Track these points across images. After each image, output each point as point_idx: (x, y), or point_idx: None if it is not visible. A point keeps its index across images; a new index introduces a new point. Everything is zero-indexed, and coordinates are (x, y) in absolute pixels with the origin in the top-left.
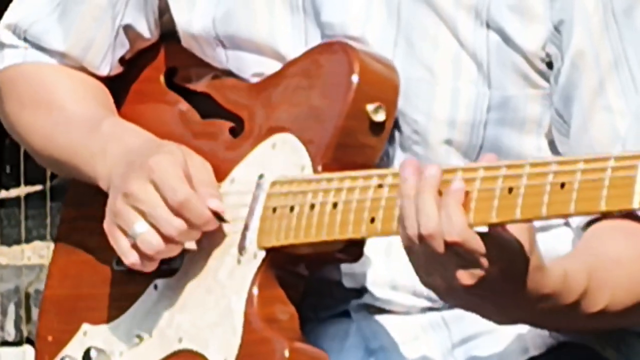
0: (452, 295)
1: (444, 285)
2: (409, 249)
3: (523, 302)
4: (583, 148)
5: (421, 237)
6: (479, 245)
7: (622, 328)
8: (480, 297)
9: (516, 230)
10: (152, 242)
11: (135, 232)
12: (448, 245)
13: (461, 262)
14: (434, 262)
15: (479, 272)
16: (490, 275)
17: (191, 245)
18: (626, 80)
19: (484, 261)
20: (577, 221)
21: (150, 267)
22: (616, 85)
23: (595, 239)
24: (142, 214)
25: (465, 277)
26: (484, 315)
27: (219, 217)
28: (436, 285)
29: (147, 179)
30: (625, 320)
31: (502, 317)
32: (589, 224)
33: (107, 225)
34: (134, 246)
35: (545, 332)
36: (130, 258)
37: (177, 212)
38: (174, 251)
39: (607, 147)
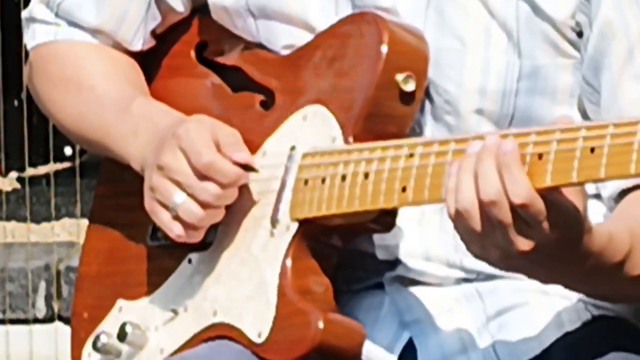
0: (505, 261)
1: (498, 253)
2: (462, 219)
3: (573, 264)
4: (613, 116)
5: (481, 204)
6: (543, 208)
7: None
8: (534, 260)
9: (571, 194)
10: (193, 211)
11: (175, 203)
12: (513, 208)
13: (521, 226)
14: (491, 229)
15: (538, 236)
16: (548, 239)
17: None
18: None
19: (546, 225)
20: (609, 192)
21: (197, 236)
22: None
23: (632, 206)
24: (178, 184)
25: (524, 242)
26: (531, 276)
27: (248, 168)
28: (489, 255)
29: (177, 147)
30: None
31: (550, 278)
32: (622, 195)
33: (147, 203)
34: (176, 218)
35: (581, 306)
36: (175, 230)
37: (204, 176)
38: (217, 216)
39: (638, 115)
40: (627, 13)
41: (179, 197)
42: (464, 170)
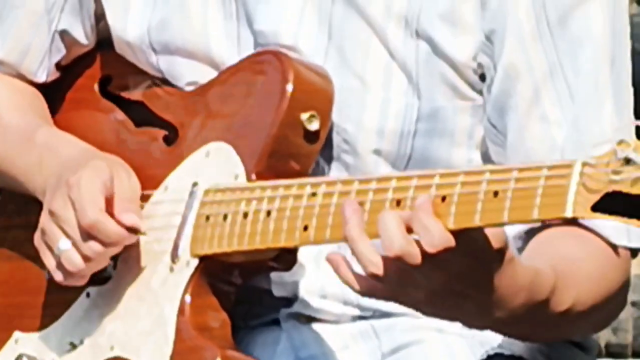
0: (433, 304)
1: (422, 296)
2: (376, 284)
3: (500, 297)
4: (520, 158)
5: (396, 258)
6: (452, 244)
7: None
8: (459, 295)
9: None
10: (74, 261)
11: (59, 249)
12: (429, 256)
13: (437, 265)
14: (409, 278)
15: (453, 268)
16: (463, 268)
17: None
18: (562, 90)
19: (459, 258)
20: (515, 231)
21: (81, 281)
22: (552, 94)
23: (547, 244)
24: (64, 232)
25: (442, 276)
26: (463, 320)
27: (135, 231)
28: (415, 301)
29: (67, 196)
30: (586, 321)
31: (482, 318)
32: (529, 233)
33: (36, 241)
34: (59, 264)
35: (476, 344)
36: (57, 276)
37: (88, 233)
38: (98, 267)
39: (545, 157)
40: (531, 54)
41: (63, 244)
42: (358, 242)
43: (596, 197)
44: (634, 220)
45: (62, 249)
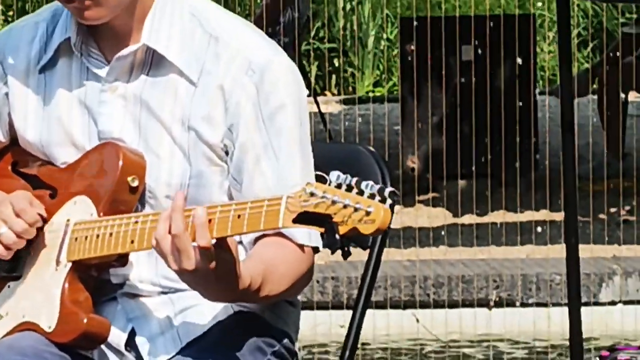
0: (180, 277)
1: (175, 268)
2: (160, 246)
3: (225, 292)
4: (250, 198)
5: (172, 237)
6: (191, 248)
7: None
8: (194, 282)
9: (232, 246)
10: (11, 238)
11: (0, 232)
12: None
13: (178, 256)
14: (174, 252)
15: (189, 265)
16: (199, 271)
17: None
18: (271, 157)
19: (188, 261)
20: (248, 239)
21: (8, 255)
22: (267, 160)
23: (263, 248)
24: (4, 221)
25: (178, 265)
26: (201, 294)
27: (43, 219)
28: (173, 269)
29: (8, 201)
30: (281, 295)
31: (211, 297)
32: (256, 240)
33: None
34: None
35: (229, 305)
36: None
37: (18, 215)
38: (22, 244)
39: (264, 196)
40: (253, 136)
41: (2, 229)
42: (165, 218)
43: (294, 215)
44: (315, 227)
45: (1, 232)
